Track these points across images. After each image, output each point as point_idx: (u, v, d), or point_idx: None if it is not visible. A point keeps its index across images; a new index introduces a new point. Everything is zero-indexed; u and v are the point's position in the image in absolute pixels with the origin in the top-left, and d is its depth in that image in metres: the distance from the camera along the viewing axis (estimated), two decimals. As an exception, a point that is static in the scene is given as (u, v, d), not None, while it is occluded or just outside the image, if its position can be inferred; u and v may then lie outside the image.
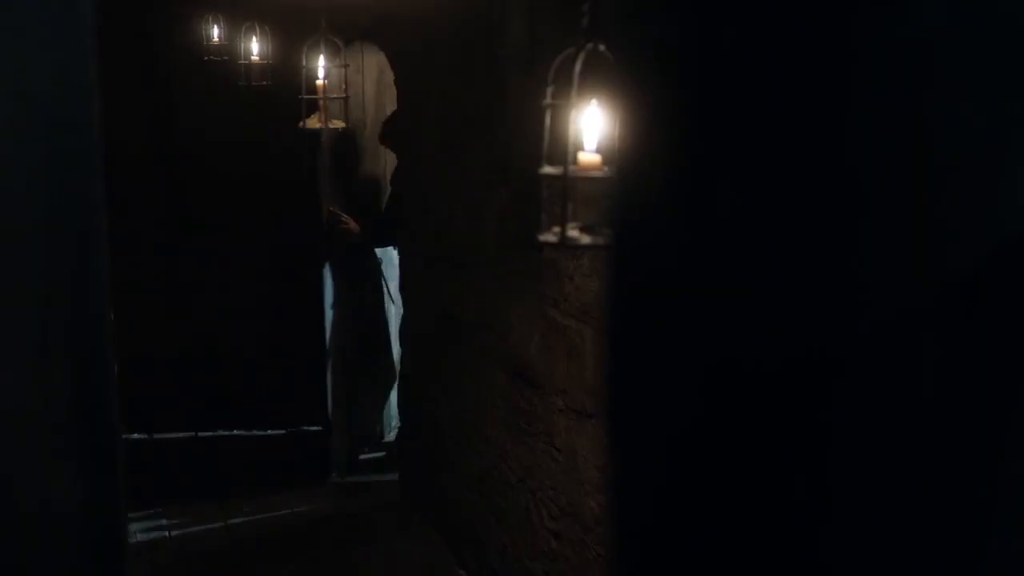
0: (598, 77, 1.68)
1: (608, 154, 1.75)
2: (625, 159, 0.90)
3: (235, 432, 5.85)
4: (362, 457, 6.23)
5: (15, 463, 0.85)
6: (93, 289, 0.91)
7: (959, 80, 0.73)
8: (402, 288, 5.97)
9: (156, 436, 5.74)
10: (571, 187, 1.73)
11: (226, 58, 5.27)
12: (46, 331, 0.86)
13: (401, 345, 5.96)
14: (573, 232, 1.73)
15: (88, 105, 0.91)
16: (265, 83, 5.37)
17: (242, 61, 5.26)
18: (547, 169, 1.74)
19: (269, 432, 5.86)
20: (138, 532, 5.16)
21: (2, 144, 0.84)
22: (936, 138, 0.74)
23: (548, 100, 1.75)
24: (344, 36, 4.10)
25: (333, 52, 4.08)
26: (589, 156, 1.78)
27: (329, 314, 6.22)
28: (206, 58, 5.28)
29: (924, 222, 0.74)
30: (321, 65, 4.12)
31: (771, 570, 0.83)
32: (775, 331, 0.79)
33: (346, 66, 4.23)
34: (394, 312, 6.24)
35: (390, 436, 6.29)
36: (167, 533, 5.33)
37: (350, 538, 5.17)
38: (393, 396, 6.03)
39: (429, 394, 5.37)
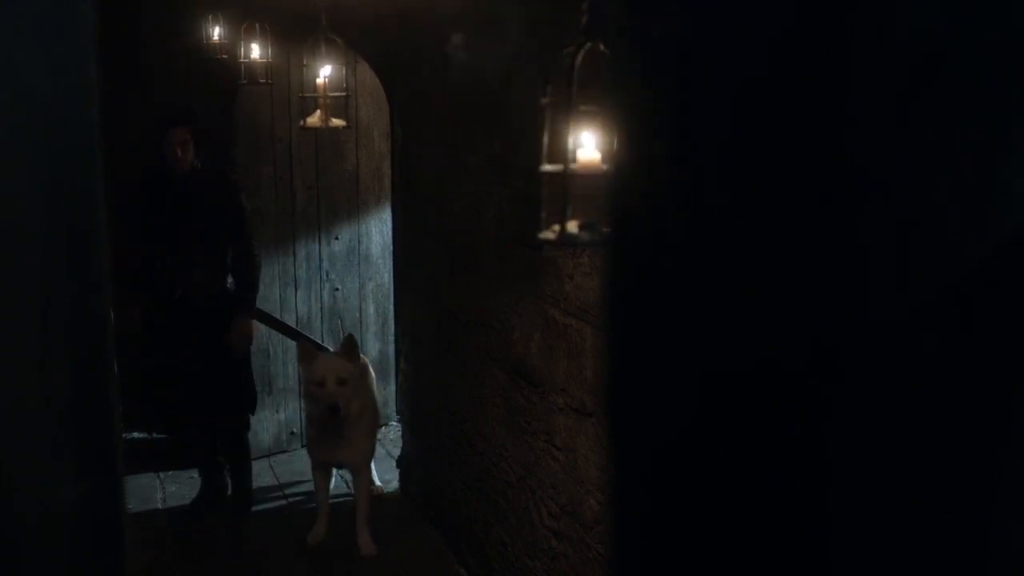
0: (597, 75, 1.68)
1: (607, 152, 1.75)
2: (624, 157, 0.90)
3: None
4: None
5: (15, 462, 0.85)
6: (93, 288, 0.91)
7: (958, 79, 0.73)
8: (401, 287, 5.98)
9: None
10: (571, 185, 1.72)
11: (225, 56, 5.28)
12: (46, 330, 0.86)
13: (400, 344, 5.96)
14: (573, 230, 1.72)
15: (88, 103, 0.91)
16: (268, 81, 5.38)
17: (242, 60, 5.28)
18: (547, 167, 1.74)
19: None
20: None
21: (2, 143, 0.84)
22: (934, 137, 0.74)
23: (547, 98, 1.74)
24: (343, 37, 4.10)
25: (334, 51, 4.08)
26: (589, 154, 1.78)
27: None
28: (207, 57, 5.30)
29: (923, 222, 0.74)
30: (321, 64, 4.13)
31: (771, 568, 0.83)
32: (774, 329, 0.79)
33: (345, 65, 4.23)
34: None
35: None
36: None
37: (349, 536, 5.16)
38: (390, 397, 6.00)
39: (428, 393, 5.38)
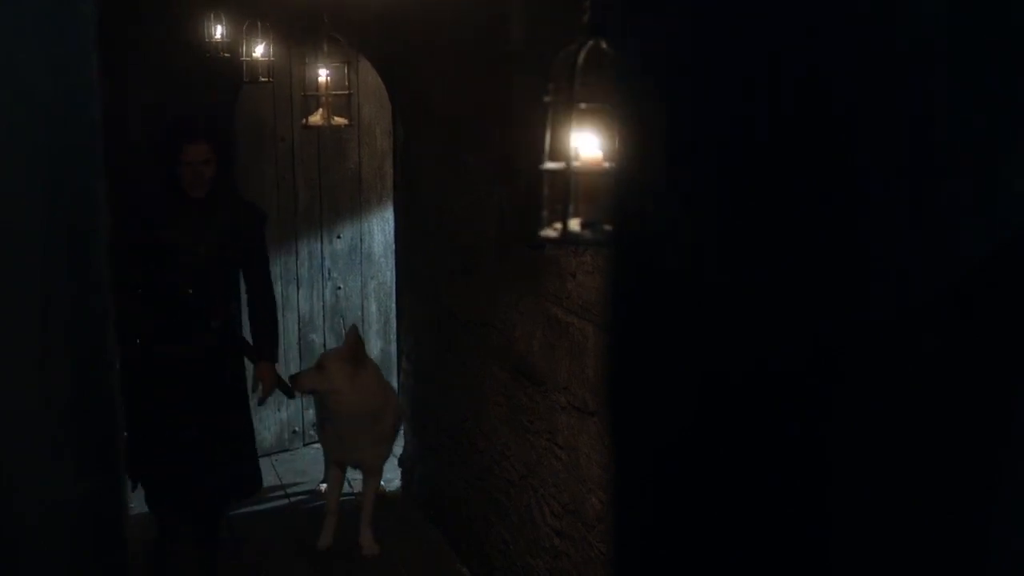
0: (600, 74, 1.67)
1: (610, 151, 1.74)
2: (627, 156, 0.90)
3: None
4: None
5: (15, 462, 0.85)
6: (93, 288, 0.91)
7: (958, 79, 0.73)
8: (403, 286, 5.97)
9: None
10: (573, 183, 1.72)
11: (228, 55, 5.26)
12: (46, 330, 0.86)
13: (402, 343, 5.96)
14: (575, 228, 1.72)
15: (89, 103, 0.91)
16: (270, 80, 5.37)
17: (244, 59, 5.27)
18: (549, 165, 1.74)
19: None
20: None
21: (4, 143, 0.84)
22: (934, 136, 0.73)
23: (549, 97, 1.74)
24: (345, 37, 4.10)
25: (336, 49, 4.08)
26: (591, 152, 1.77)
27: None
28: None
29: (923, 222, 0.74)
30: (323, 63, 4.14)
31: (771, 567, 0.83)
32: (775, 328, 0.79)
33: (348, 63, 4.23)
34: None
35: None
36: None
37: (350, 535, 5.16)
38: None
39: (430, 391, 5.38)
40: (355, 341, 4.95)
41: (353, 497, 5.47)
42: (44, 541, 0.87)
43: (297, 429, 6.52)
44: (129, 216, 4.23)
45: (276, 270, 6.18)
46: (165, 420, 4.32)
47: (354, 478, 5.48)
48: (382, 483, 5.74)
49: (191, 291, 4.34)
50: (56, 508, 0.87)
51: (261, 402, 4.74)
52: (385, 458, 5.28)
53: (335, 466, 5.20)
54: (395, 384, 6.31)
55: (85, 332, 0.88)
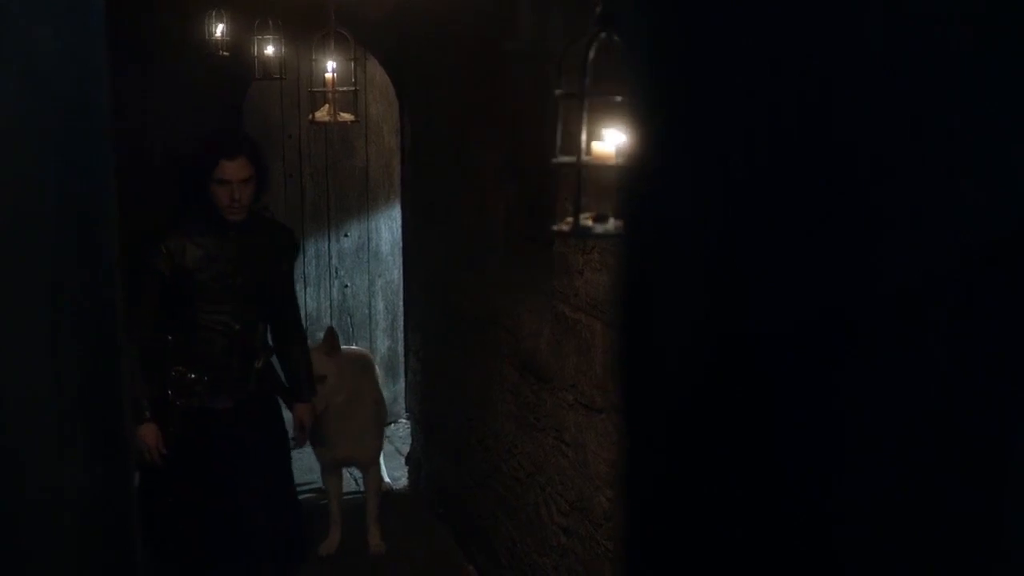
0: (611, 66, 1.67)
1: (621, 144, 1.74)
2: (638, 149, 0.89)
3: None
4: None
5: (25, 451, 0.85)
6: (102, 277, 0.90)
7: (967, 62, 0.72)
8: (411, 283, 5.97)
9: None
10: (584, 177, 1.72)
11: (226, 54, 5.23)
12: (56, 317, 0.85)
13: (409, 341, 5.96)
14: (586, 222, 1.72)
15: (99, 90, 0.90)
16: (281, 77, 5.36)
17: (255, 56, 5.27)
18: (560, 159, 1.73)
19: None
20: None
21: (13, 130, 0.84)
22: (945, 120, 0.73)
23: (560, 90, 1.74)
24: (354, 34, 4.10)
25: (342, 45, 4.08)
26: (602, 146, 1.77)
27: None
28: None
29: (925, 222, 0.74)
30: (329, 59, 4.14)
31: (782, 564, 0.82)
32: (786, 328, 0.78)
33: (354, 60, 4.24)
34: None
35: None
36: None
37: (357, 533, 5.16)
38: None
39: (437, 389, 5.38)
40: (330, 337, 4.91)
41: (359, 495, 5.47)
42: (53, 530, 0.87)
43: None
44: (154, 246, 3.67)
45: (283, 267, 6.19)
46: (202, 491, 3.83)
47: (359, 476, 5.47)
48: (389, 480, 5.74)
49: (238, 327, 3.80)
50: (65, 497, 0.87)
51: (297, 447, 4.46)
52: (376, 451, 5.21)
53: (330, 470, 5.14)
54: (402, 383, 6.32)
55: (94, 319, 0.88)
